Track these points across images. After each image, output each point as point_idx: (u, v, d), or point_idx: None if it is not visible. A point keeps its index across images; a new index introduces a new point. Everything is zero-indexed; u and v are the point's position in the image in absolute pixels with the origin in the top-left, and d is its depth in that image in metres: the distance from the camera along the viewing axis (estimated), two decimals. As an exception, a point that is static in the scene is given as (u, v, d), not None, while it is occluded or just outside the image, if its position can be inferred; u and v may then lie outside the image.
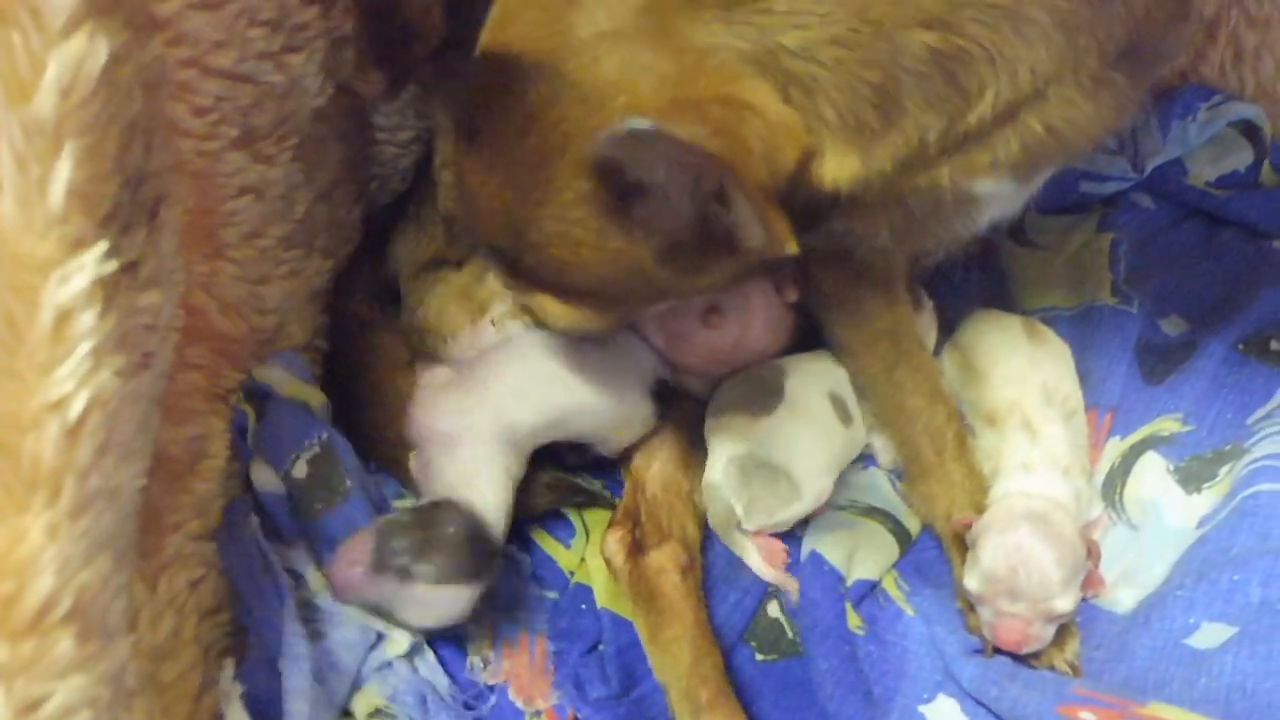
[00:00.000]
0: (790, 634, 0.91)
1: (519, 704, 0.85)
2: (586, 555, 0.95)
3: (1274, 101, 1.16)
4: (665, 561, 0.91)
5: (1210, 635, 0.84)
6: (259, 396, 0.87)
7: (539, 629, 0.89)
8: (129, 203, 0.58)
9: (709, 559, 0.95)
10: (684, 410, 0.98)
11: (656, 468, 0.97)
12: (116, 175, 0.56)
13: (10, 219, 0.50)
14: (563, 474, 0.98)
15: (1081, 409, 0.98)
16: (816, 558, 0.92)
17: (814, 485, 0.92)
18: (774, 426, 0.91)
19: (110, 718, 0.58)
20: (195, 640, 0.74)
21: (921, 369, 0.95)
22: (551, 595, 0.93)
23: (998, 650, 0.87)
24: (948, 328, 1.04)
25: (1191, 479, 0.95)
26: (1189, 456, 0.96)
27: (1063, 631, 0.88)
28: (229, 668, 0.72)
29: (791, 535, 0.95)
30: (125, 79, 0.54)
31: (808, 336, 0.98)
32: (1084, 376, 1.00)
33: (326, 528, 0.82)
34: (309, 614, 0.78)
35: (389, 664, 0.79)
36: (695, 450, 0.96)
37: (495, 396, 0.89)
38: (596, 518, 0.98)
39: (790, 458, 0.91)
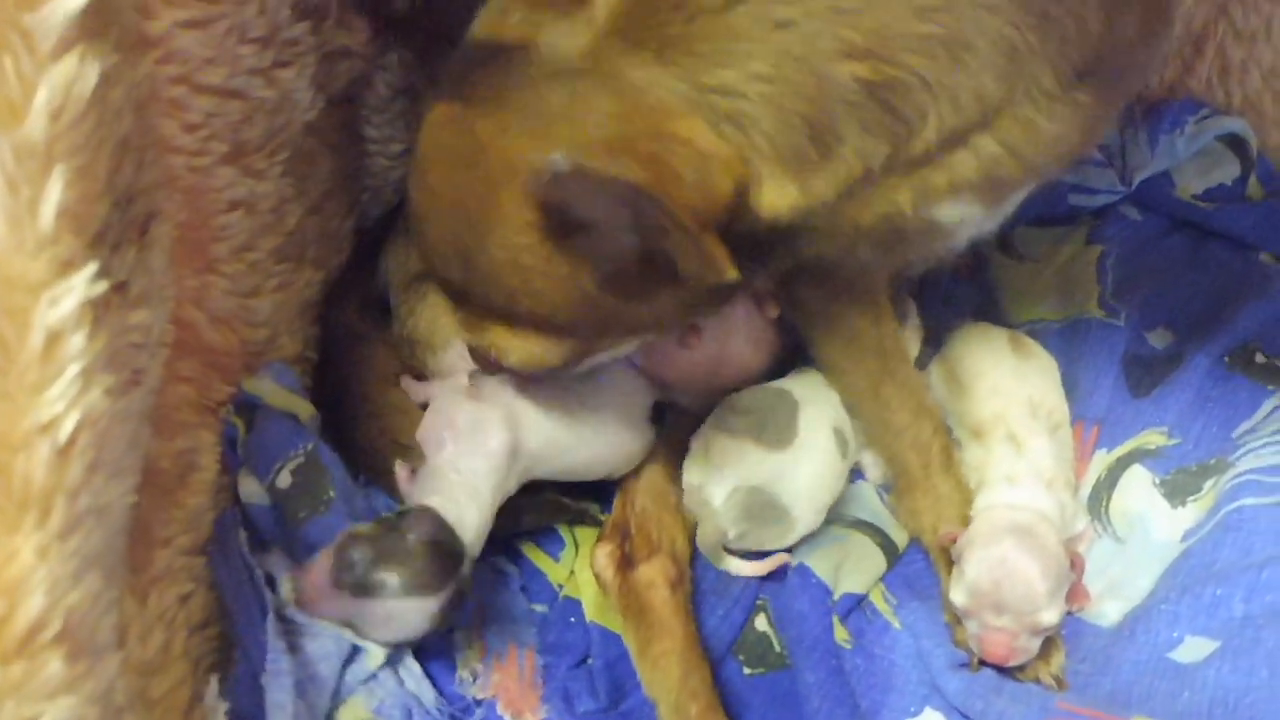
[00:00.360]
0: (778, 647, 0.92)
1: (507, 717, 0.85)
2: (576, 568, 0.96)
3: (1260, 115, 1.17)
4: (654, 575, 0.92)
5: (1193, 649, 0.85)
6: (248, 408, 0.87)
7: (528, 642, 0.90)
8: (119, 221, 0.58)
9: (697, 571, 0.96)
10: (673, 424, 0.98)
11: (645, 481, 0.97)
12: (107, 195, 0.56)
13: (1, 240, 0.50)
14: (553, 494, 0.98)
15: (1067, 422, 0.99)
16: (804, 570, 0.93)
17: (807, 522, 0.92)
18: (785, 464, 0.91)
19: (99, 734, 0.58)
20: (184, 655, 0.74)
21: (908, 385, 0.95)
22: (540, 609, 0.93)
23: (984, 663, 0.88)
24: (935, 340, 1.04)
25: (1177, 492, 0.96)
26: (1175, 470, 0.97)
27: (1048, 645, 0.88)
28: (214, 683, 0.72)
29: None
30: (116, 99, 0.55)
31: (794, 353, 0.99)
32: (1071, 389, 1.01)
33: (309, 536, 0.82)
34: (287, 625, 0.77)
35: (374, 676, 0.79)
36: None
37: (514, 414, 0.89)
38: (586, 531, 0.98)
39: (795, 498, 0.91)
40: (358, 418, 0.95)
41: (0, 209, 0.51)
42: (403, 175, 1.03)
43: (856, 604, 0.92)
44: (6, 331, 0.51)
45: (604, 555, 0.93)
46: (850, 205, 0.72)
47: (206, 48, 0.73)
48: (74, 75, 0.51)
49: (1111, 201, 1.17)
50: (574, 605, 0.93)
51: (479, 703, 0.85)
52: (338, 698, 0.78)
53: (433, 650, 0.85)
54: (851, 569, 0.94)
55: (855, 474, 1.00)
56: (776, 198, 0.69)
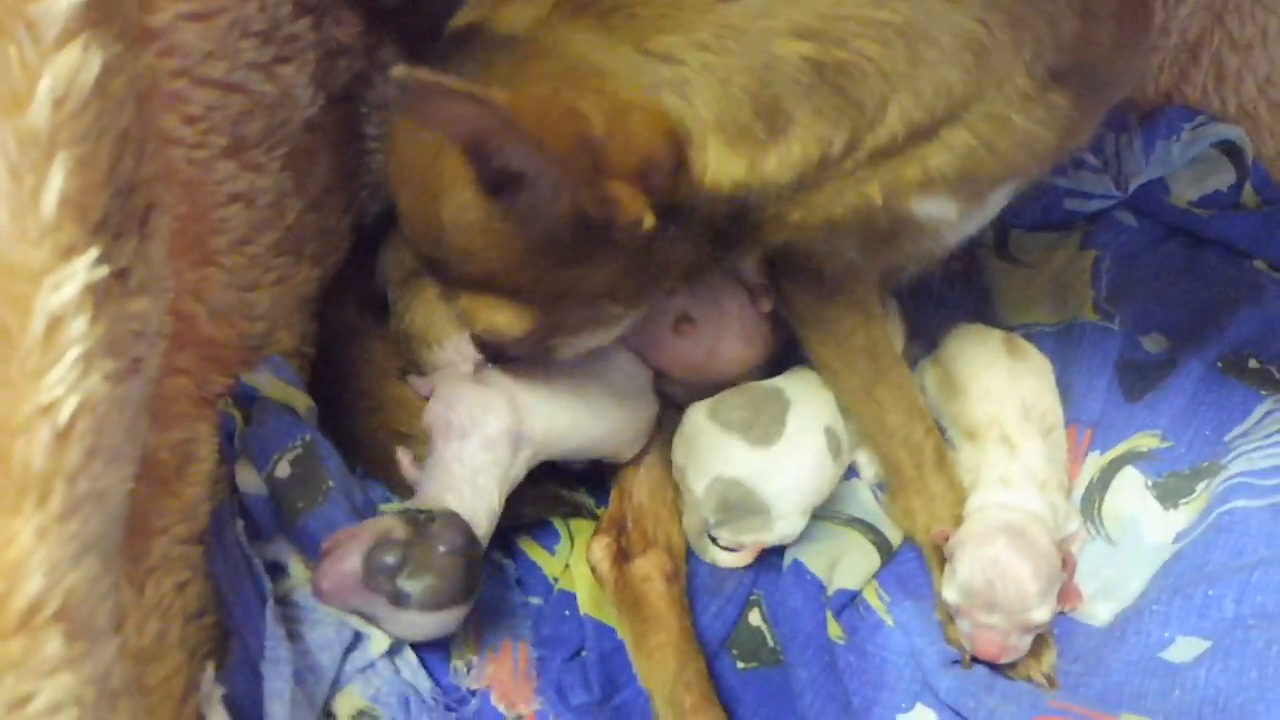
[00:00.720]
0: (771, 643, 0.92)
1: (501, 709, 0.85)
2: (571, 562, 0.96)
3: (1256, 123, 1.18)
4: (650, 569, 0.92)
5: (1185, 649, 0.85)
6: (246, 401, 0.88)
7: (522, 635, 0.90)
8: (120, 211, 0.59)
9: (692, 567, 0.96)
10: (671, 420, 0.98)
11: (643, 475, 0.98)
12: (108, 185, 0.56)
13: (3, 227, 0.51)
14: (550, 486, 0.98)
15: (1061, 425, 0.99)
16: (798, 567, 0.93)
17: (786, 525, 0.92)
18: (768, 461, 0.92)
19: (95, 718, 0.58)
20: (181, 643, 0.75)
21: (900, 385, 0.96)
22: (535, 601, 0.94)
23: (976, 661, 0.88)
24: (929, 341, 1.05)
25: (1169, 495, 0.96)
26: (1167, 473, 0.97)
27: (1039, 644, 0.89)
28: (210, 670, 0.72)
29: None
30: (118, 90, 0.55)
31: (791, 350, 0.99)
32: (1064, 392, 1.01)
33: (307, 527, 0.82)
34: (288, 611, 0.78)
35: (372, 665, 0.80)
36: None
37: (516, 401, 0.90)
38: (581, 525, 0.99)
39: (776, 496, 0.91)
40: (356, 411, 0.96)
41: (3, 196, 0.51)
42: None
43: (850, 600, 0.93)
44: (8, 318, 0.52)
45: (600, 548, 0.94)
46: (818, 195, 0.73)
47: (207, 41, 0.74)
48: (77, 65, 0.52)
49: (1106, 207, 1.17)
50: (569, 598, 0.94)
51: (473, 694, 0.85)
52: (335, 686, 0.79)
53: (428, 641, 0.85)
54: (846, 566, 0.94)
55: (850, 472, 1.01)
56: (722, 169, 0.69)
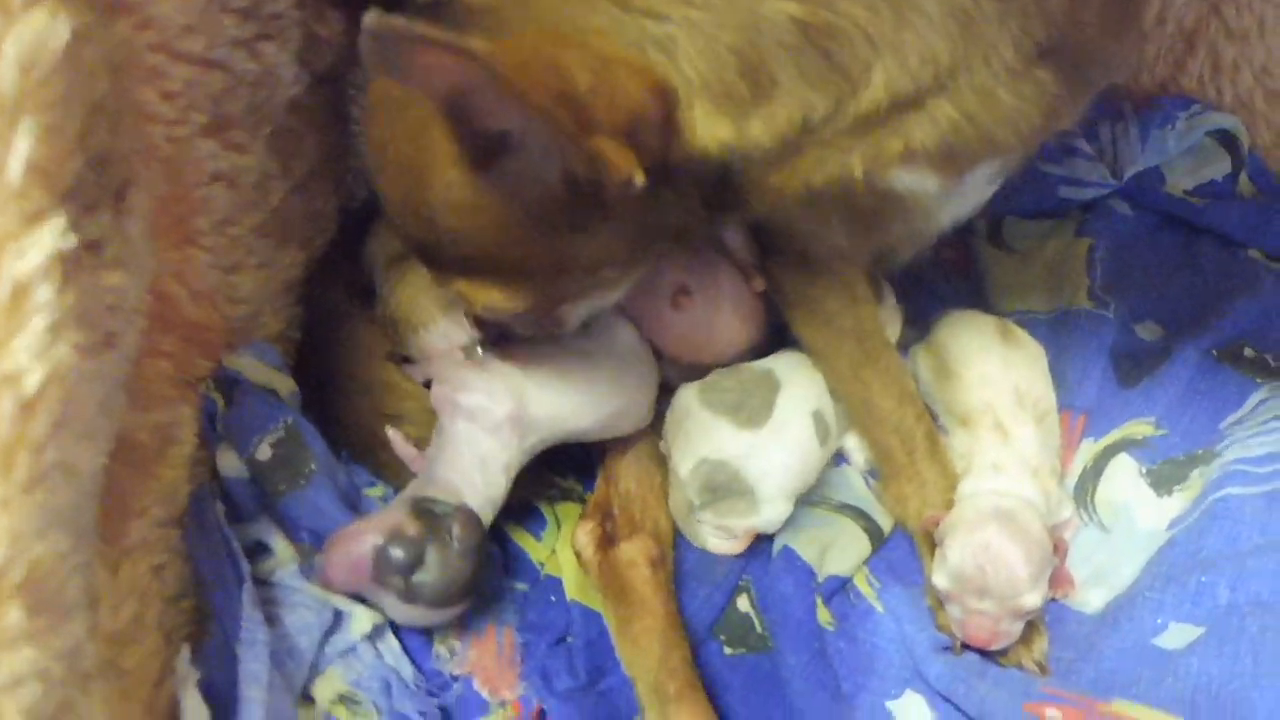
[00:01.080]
0: (760, 629, 0.91)
1: (484, 694, 0.84)
2: (557, 547, 0.95)
3: (1252, 112, 1.18)
4: (635, 554, 0.92)
5: (1178, 636, 0.84)
6: (228, 384, 0.87)
7: (507, 620, 0.89)
8: (93, 183, 0.58)
9: (680, 553, 0.96)
10: (663, 405, 0.98)
11: (630, 461, 0.97)
12: (79, 154, 0.56)
13: (-32, 192, 0.50)
14: (537, 470, 0.97)
15: (1054, 411, 0.98)
16: (789, 553, 0.92)
17: (772, 509, 0.92)
18: (754, 444, 0.91)
19: (63, 696, 0.58)
20: (157, 626, 0.74)
21: (890, 370, 0.95)
22: (521, 587, 0.93)
23: (966, 647, 0.87)
24: (922, 328, 1.04)
25: (1163, 482, 0.95)
26: (1161, 460, 0.96)
27: (1031, 630, 0.88)
28: (186, 651, 0.72)
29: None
30: (89, 59, 0.55)
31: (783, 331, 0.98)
32: (1058, 379, 1.00)
33: (289, 509, 0.82)
34: (267, 593, 0.77)
35: (353, 649, 0.79)
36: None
37: (518, 386, 0.89)
38: (568, 510, 0.98)
39: (761, 478, 0.91)
40: (343, 394, 0.95)
41: (-32, 161, 0.51)
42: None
43: (840, 587, 0.92)
44: (-28, 284, 0.51)
45: (585, 533, 0.93)
46: (800, 162, 0.72)
47: (186, 15, 0.73)
48: (45, 30, 0.51)
49: (1101, 195, 1.17)
50: (555, 584, 0.93)
51: (456, 679, 0.84)
52: (315, 670, 0.78)
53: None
54: (836, 552, 0.93)
55: (840, 458, 1.00)
56: (707, 131, 0.68)
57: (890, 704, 0.87)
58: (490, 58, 0.56)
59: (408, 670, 0.82)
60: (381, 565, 0.79)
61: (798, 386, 0.94)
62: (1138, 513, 0.95)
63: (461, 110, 0.63)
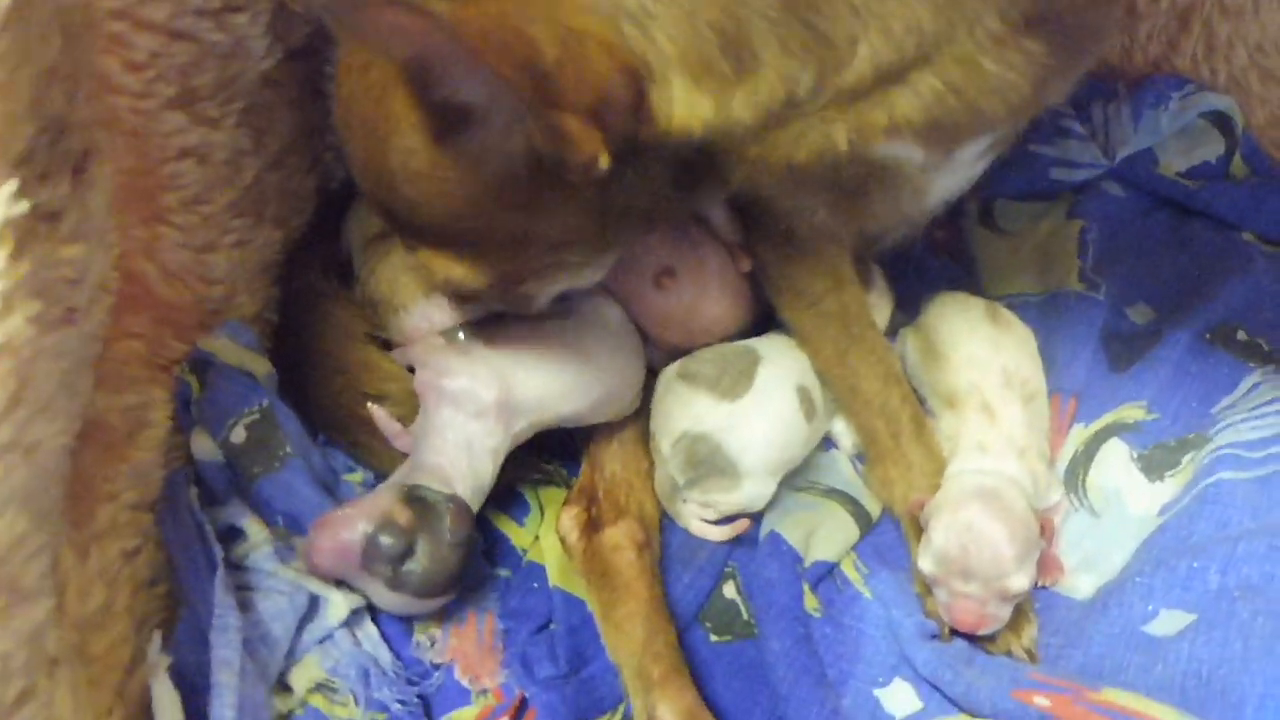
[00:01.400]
0: (745, 615, 0.90)
1: (465, 683, 0.83)
2: (540, 533, 0.94)
3: (1246, 93, 1.16)
4: (620, 539, 0.90)
5: (1168, 622, 0.83)
6: (202, 366, 0.85)
7: (488, 607, 0.88)
8: (48, 151, 0.56)
9: (665, 538, 0.94)
10: (649, 388, 0.96)
11: (615, 446, 0.96)
12: (31, 119, 0.54)
13: (-86, 156, 0.49)
14: (520, 454, 0.96)
15: (1043, 393, 0.97)
16: (775, 537, 0.91)
17: (756, 486, 0.90)
18: (736, 415, 0.90)
19: (26, 682, 0.56)
20: (128, 612, 0.72)
21: (875, 352, 0.94)
22: (503, 573, 0.91)
23: (955, 634, 0.86)
24: (910, 309, 1.03)
25: (1154, 467, 0.94)
26: (1153, 444, 0.95)
27: (1019, 617, 0.87)
28: (157, 638, 0.70)
29: (752, 514, 0.93)
30: (40, 20, 0.53)
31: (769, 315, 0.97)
32: (1049, 363, 0.99)
33: (263, 492, 0.80)
34: (241, 579, 0.76)
35: (330, 636, 0.78)
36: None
37: (503, 371, 0.88)
38: (551, 495, 0.97)
39: (742, 451, 0.89)
40: (321, 376, 0.93)
41: (-85, 125, 0.49)
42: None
43: (828, 572, 0.91)
44: (-80, 252, 0.49)
45: (569, 518, 0.92)
46: (782, 137, 0.70)
47: (148, -19, 0.71)
48: (-11, -12, 0.50)
49: (1093, 176, 1.15)
50: (537, 570, 0.91)
51: (436, 667, 0.83)
52: (291, 657, 0.76)
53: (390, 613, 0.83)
54: (823, 537, 0.92)
55: (828, 443, 0.99)
56: (688, 109, 0.65)
57: (877, 691, 0.86)
58: (452, 21, 0.54)
59: (386, 658, 0.80)
60: (371, 553, 0.78)
61: (780, 363, 0.93)
62: (1129, 498, 0.94)
63: (424, 77, 0.61)
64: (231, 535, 0.79)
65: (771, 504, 0.94)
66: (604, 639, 0.87)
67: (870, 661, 0.87)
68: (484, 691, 0.83)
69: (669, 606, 0.89)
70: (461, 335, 0.91)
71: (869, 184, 0.79)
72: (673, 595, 0.90)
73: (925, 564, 0.84)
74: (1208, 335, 1.01)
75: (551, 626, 0.88)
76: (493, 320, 0.91)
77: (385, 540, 0.77)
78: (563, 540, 0.92)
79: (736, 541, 0.93)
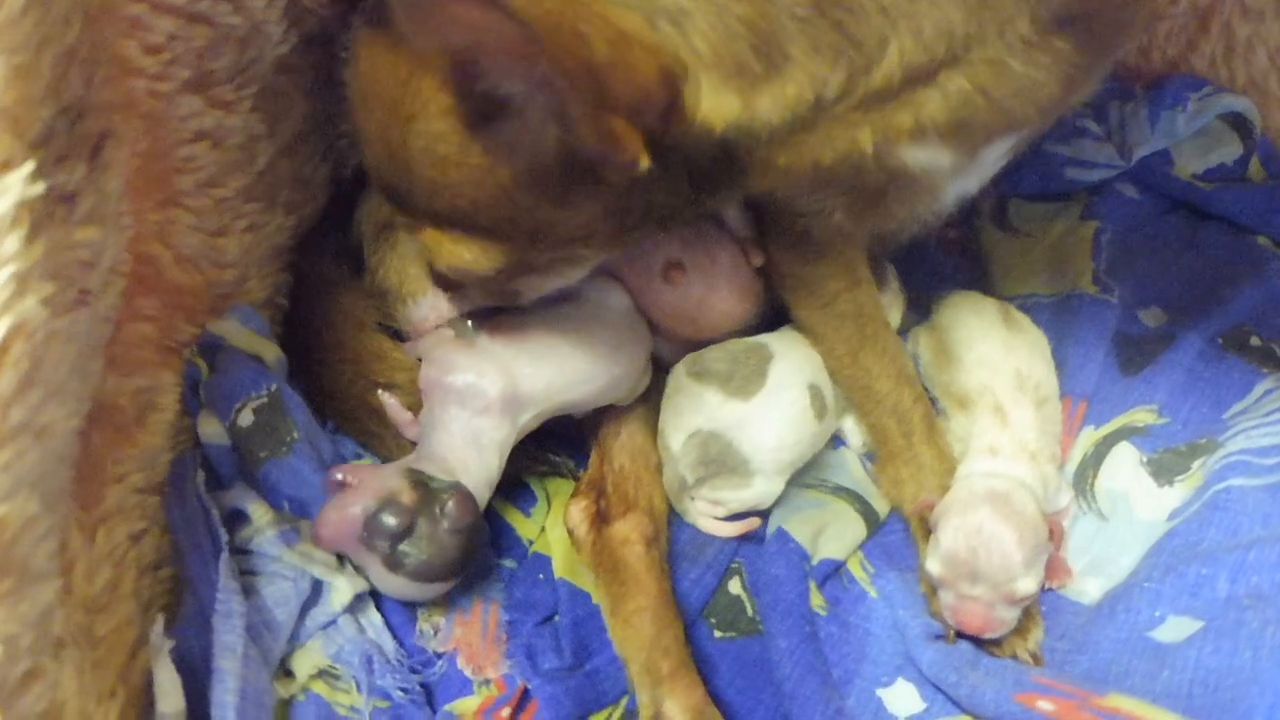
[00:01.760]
0: (750, 612, 0.90)
1: (468, 673, 0.83)
2: (547, 525, 0.94)
3: (1265, 95, 1.15)
4: (630, 532, 0.90)
5: (1175, 629, 0.83)
6: (211, 350, 0.85)
7: (493, 597, 0.87)
8: (66, 133, 0.56)
9: (672, 534, 0.94)
10: (658, 383, 0.96)
11: (624, 439, 0.95)
12: (50, 101, 0.54)
13: (-68, 136, 0.48)
14: (528, 446, 0.96)
15: (1055, 397, 0.97)
16: (782, 535, 0.91)
17: (765, 484, 0.90)
18: (748, 414, 0.90)
19: (33, 663, 0.56)
20: (134, 595, 0.72)
21: (888, 352, 0.93)
22: (509, 564, 0.91)
23: (961, 636, 0.86)
24: (923, 309, 1.02)
25: (1164, 471, 0.94)
26: (1162, 449, 0.95)
27: (1026, 621, 0.87)
28: (160, 622, 0.70)
29: (759, 511, 0.93)
30: (59, 3, 0.52)
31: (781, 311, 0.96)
32: (1060, 365, 0.99)
33: (269, 476, 0.80)
34: (245, 563, 0.76)
35: (334, 622, 0.77)
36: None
37: (509, 364, 0.87)
38: (558, 487, 0.97)
39: (754, 449, 0.89)
40: (330, 363, 0.93)
41: (-67, 104, 0.49)
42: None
43: (834, 570, 0.91)
44: (-64, 232, 0.49)
45: (578, 511, 0.92)
46: (809, 139, 0.69)
47: (166, -35, 0.71)
48: (12, -30, 0.49)
49: (1109, 177, 1.15)
50: (543, 562, 0.91)
51: (439, 656, 0.83)
52: (295, 643, 0.76)
53: (395, 601, 0.83)
54: (831, 535, 0.92)
55: (837, 441, 0.99)
56: (714, 107, 0.65)
57: (881, 691, 0.86)
58: (526, 15, 0.54)
59: (389, 645, 0.80)
60: (372, 528, 0.78)
61: (792, 360, 0.92)
62: (1137, 502, 0.93)
63: (469, 68, 0.60)
64: (236, 519, 0.79)
65: (780, 501, 0.93)
66: (611, 633, 0.87)
67: (875, 661, 0.87)
68: (487, 682, 0.83)
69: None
70: (470, 325, 0.91)
71: (889, 185, 0.78)
72: (679, 591, 0.90)
73: (933, 566, 0.84)
74: (1220, 340, 1.00)
75: (556, 619, 0.88)
76: (497, 311, 0.90)
77: (387, 518, 0.77)
78: (571, 533, 0.91)
79: (744, 538, 0.93)
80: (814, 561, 0.90)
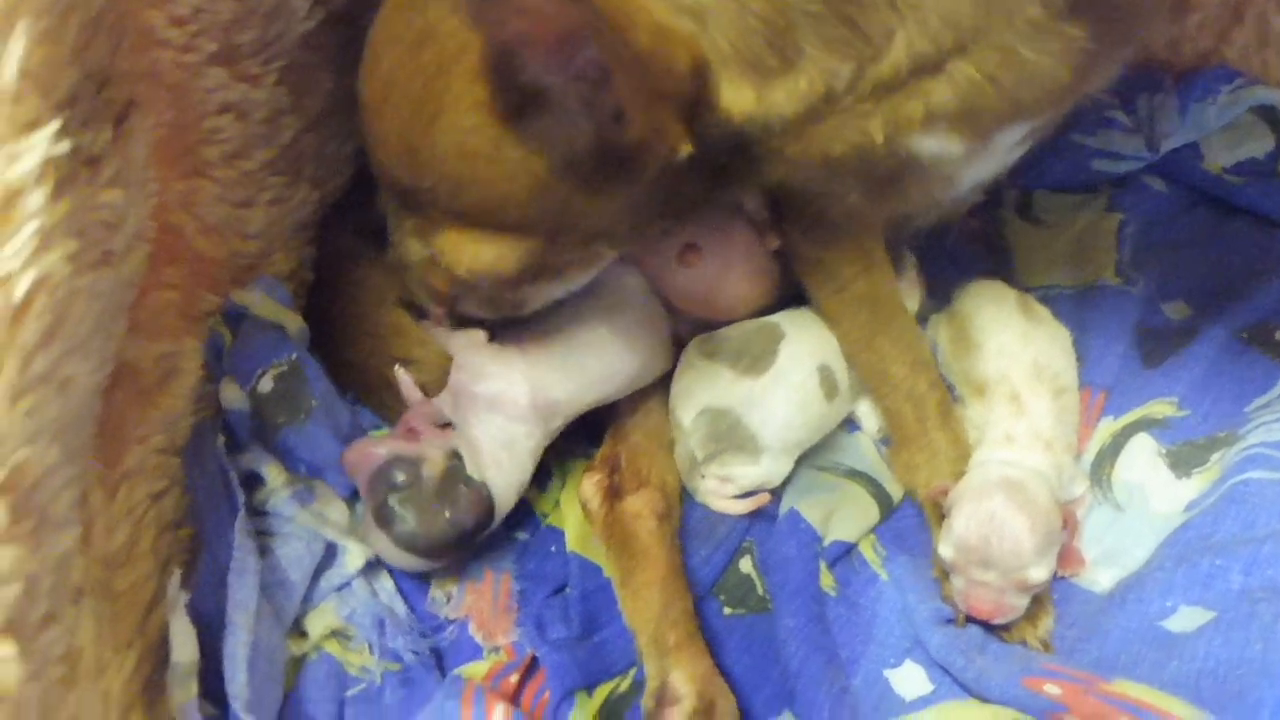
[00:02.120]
0: (760, 590, 0.90)
1: (478, 639, 0.84)
2: (561, 499, 0.95)
3: (1298, 88, 1.13)
4: (642, 507, 0.91)
5: (1187, 619, 0.82)
6: (235, 319, 0.87)
7: (505, 567, 0.89)
8: (91, 99, 0.58)
9: (684, 513, 0.95)
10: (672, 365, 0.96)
11: (639, 417, 0.96)
12: (76, 66, 0.55)
13: (-40, 95, 0.50)
14: None
15: (1074, 389, 0.96)
16: (794, 515, 0.91)
17: (774, 462, 0.91)
18: (757, 391, 0.90)
19: (51, 605, 0.58)
20: (152, 552, 0.74)
21: (904, 336, 0.93)
22: (521, 536, 0.93)
23: (971, 621, 0.86)
24: (942, 297, 1.02)
25: (1182, 463, 0.93)
26: (1181, 441, 0.94)
27: (1036, 608, 0.87)
28: (177, 576, 0.72)
29: (771, 493, 0.93)
30: (85, -32, 0.54)
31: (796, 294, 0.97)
32: (1080, 355, 0.98)
33: (287, 442, 0.82)
34: (261, 524, 0.77)
35: (348, 584, 0.79)
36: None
37: (537, 371, 0.88)
38: (572, 465, 0.98)
39: (762, 427, 0.90)
40: (352, 336, 0.94)
41: (-38, 64, 0.50)
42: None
43: (845, 553, 0.91)
44: (-38, 186, 0.51)
45: (591, 484, 0.93)
46: (819, 131, 0.70)
47: (191, -63, 0.72)
48: (39, -64, 0.51)
49: (1135, 169, 1.14)
50: (556, 535, 0.92)
51: (451, 623, 0.84)
52: (308, 603, 0.78)
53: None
54: (843, 517, 0.92)
55: (852, 425, 0.99)
56: (733, 100, 0.66)
57: (888, 672, 0.86)
58: (602, 7, 0.55)
59: (401, 609, 0.82)
60: (382, 474, 0.80)
61: (804, 341, 0.93)
62: (1153, 494, 0.93)
63: (510, 61, 0.61)
64: (253, 481, 0.80)
65: (793, 483, 0.94)
66: (621, 605, 0.87)
67: (883, 643, 0.87)
68: (496, 649, 0.84)
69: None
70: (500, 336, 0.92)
71: (902, 171, 0.78)
72: (689, 568, 0.91)
73: (945, 551, 0.84)
74: (1244, 334, 0.99)
75: (567, 591, 0.89)
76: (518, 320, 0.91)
77: (397, 473, 0.79)
78: (584, 506, 0.92)
79: (754, 517, 0.93)
80: (825, 543, 0.90)
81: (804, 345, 0.93)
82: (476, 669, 0.81)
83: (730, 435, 0.89)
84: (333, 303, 0.96)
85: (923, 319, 1.00)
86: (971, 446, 0.92)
